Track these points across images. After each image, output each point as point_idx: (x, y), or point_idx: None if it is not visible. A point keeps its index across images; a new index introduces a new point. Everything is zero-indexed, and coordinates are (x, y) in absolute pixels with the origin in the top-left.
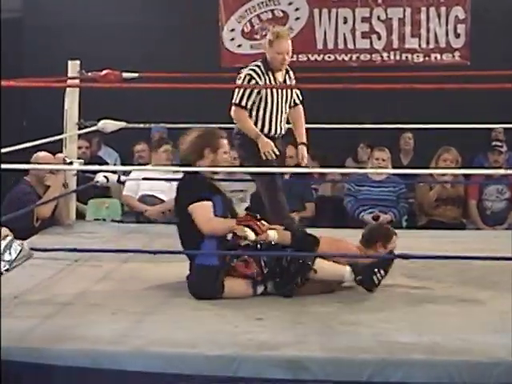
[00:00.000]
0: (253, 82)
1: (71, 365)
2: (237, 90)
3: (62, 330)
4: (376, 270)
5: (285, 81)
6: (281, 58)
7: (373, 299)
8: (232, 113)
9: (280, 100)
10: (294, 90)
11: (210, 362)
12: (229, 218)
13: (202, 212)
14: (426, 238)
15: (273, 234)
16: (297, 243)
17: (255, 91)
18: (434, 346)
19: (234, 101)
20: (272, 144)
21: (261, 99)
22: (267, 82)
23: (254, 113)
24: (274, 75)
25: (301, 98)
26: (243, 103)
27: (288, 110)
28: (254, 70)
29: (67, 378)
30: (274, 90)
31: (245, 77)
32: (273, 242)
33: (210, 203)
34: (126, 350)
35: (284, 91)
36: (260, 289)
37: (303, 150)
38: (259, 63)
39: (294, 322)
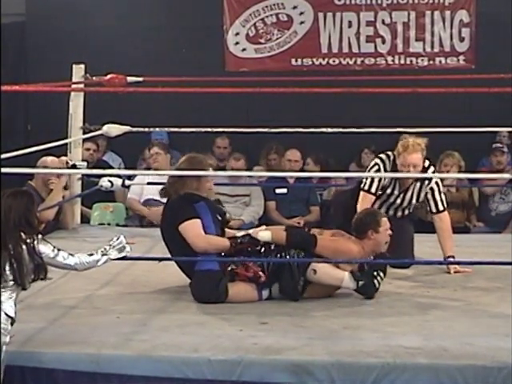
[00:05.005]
0: (376, 167)
1: (75, 369)
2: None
3: (66, 334)
4: (375, 273)
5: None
6: (405, 171)
7: (377, 304)
8: (360, 198)
9: (401, 199)
10: (434, 199)
11: (215, 366)
12: (220, 237)
13: (193, 230)
14: (429, 243)
15: (266, 235)
16: (293, 242)
17: (382, 180)
18: (438, 350)
19: (362, 186)
20: None
21: (383, 188)
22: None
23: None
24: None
25: (442, 206)
26: (372, 190)
27: (411, 205)
28: (382, 162)
29: (72, 383)
30: (396, 191)
31: (373, 165)
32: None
33: (198, 220)
34: (131, 354)
35: (410, 194)
36: (265, 293)
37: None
38: (391, 157)
39: (298, 326)
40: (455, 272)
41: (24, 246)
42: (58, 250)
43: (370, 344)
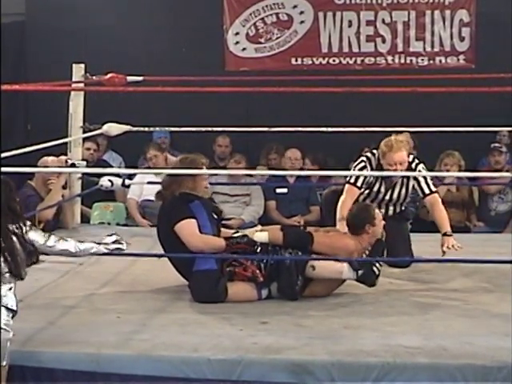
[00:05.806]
0: (362, 164)
1: (75, 369)
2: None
3: (67, 334)
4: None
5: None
6: (392, 169)
7: (377, 303)
8: (345, 190)
9: (389, 195)
10: (420, 186)
11: (215, 366)
12: (216, 237)
13: (188, 229)
14: (430, 242)
15: (263, 235)
16: (290, 242)
17: (368, 177)
18: (438, 349)
19: (348, 179)
20: None
21: (370, 184)
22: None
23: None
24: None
25: (428, 190)
26: (358, 183)
27: (400, 198)
28: (368, 158)
29: (72, 382)
30: (383, 188)
31: (359, 162)
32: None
33: (194, 220)
34: (131, 353)
35: (399, 188)
36: (264, 292)
37: (445, 240)
38: (375, 155)
39: (298, 325)
40: (447, 248)
41: (14, 236)
42: (49, 235)
43: (370, 343)
